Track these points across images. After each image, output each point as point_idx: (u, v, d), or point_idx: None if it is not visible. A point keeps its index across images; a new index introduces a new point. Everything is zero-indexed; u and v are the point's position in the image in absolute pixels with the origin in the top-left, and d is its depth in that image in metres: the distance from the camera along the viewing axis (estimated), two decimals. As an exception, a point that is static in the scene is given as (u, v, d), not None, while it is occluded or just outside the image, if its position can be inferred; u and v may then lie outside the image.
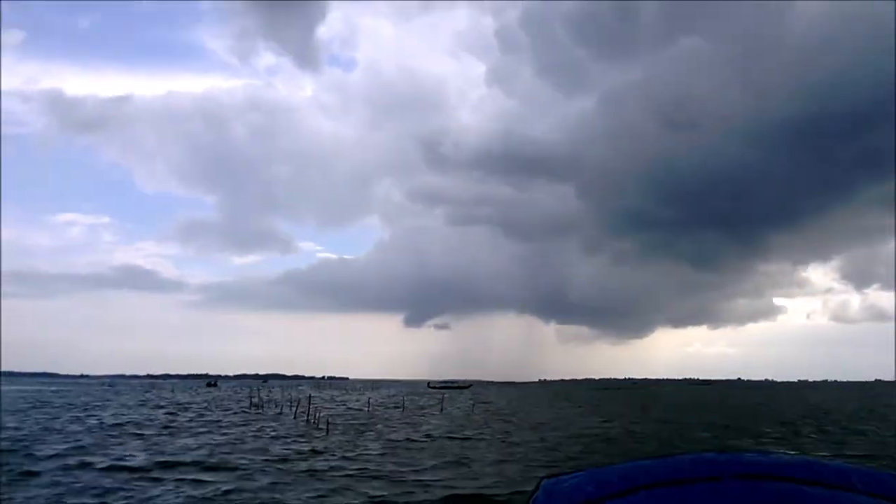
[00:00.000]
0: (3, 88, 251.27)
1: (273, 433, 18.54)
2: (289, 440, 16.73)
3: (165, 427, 20.32)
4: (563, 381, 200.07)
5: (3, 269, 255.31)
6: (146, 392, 55.99)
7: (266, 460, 12.71)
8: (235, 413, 28.23)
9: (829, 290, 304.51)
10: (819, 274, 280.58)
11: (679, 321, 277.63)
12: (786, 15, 36.02)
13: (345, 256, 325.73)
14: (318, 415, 23.79)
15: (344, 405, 35.70)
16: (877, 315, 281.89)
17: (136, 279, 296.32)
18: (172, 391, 59.55)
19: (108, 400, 39.57)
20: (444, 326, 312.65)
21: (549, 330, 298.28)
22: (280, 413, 27.56)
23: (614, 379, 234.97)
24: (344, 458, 13.41)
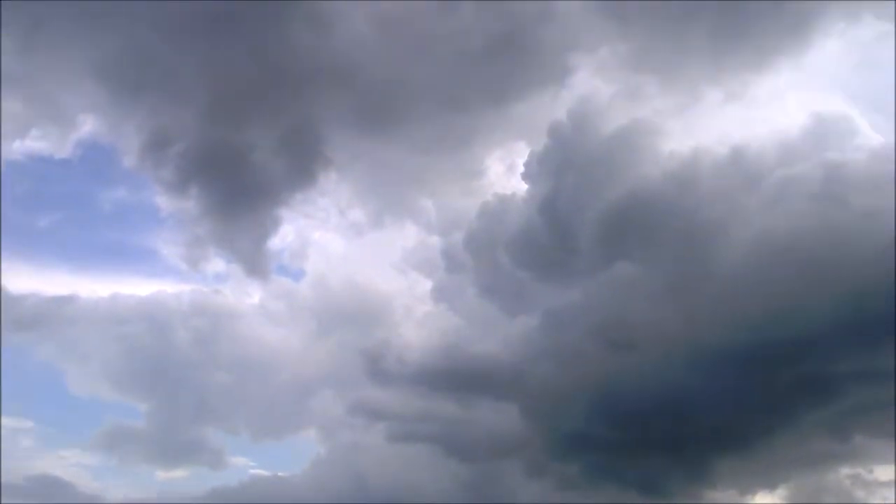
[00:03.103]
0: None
1: None
2: None
3: None
4: None
5: None
6: None
7: None
8: None
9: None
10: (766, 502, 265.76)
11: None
12: (715, 246, 33.88)
13: (279, 473, 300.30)
14: None
15: None
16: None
17: (51, 491, 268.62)
18: None
19: None
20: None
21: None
22: None
23: None
24: None
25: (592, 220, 35.76)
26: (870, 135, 34.09)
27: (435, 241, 44.60)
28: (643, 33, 38.51)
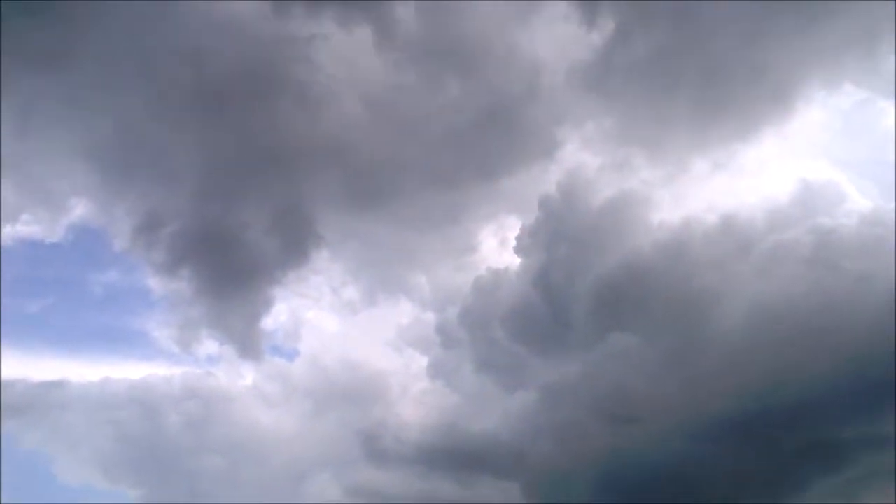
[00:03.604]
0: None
1: None
2: None
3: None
4: None
5: None
6: None
7: None
8: None
9: None
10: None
11: None
12: (710, 314, 33.86)
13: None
14: None
15: None
16: None
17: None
18: None
19: None
20: None
21: None
22: None
23: None
24: None
25: (586, 292, 35.62)
26: (858, 200, 34.31)
27: (429, 317, 44.25)
28: (627, 107, 39.14)
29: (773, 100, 35.97)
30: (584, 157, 39.35)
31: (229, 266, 42.16)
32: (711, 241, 33.91)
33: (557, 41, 41.11)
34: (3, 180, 39.70)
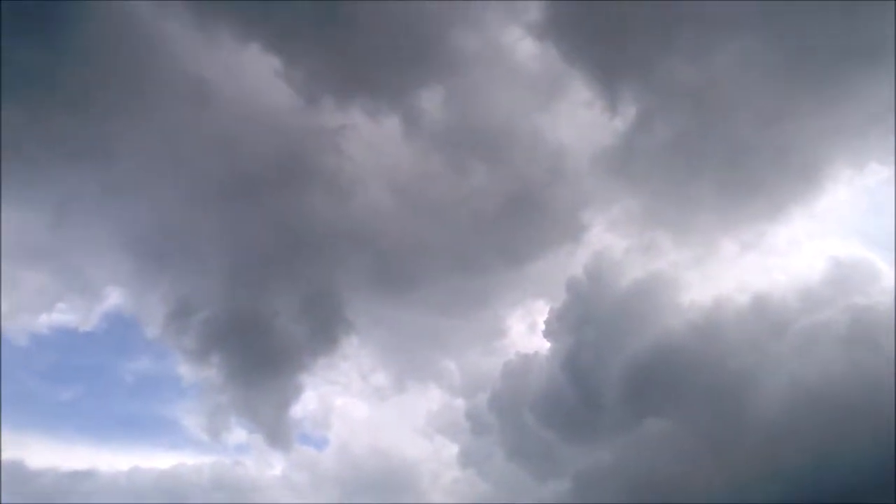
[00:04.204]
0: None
1: None
2: None
3: None
4: None
5: None
6: None
7: None
8: None
9: None
10: None
11: None
12: (746, 396, 32.92)
13: None
14: None
15: None
16: None
17: None
18: None
19: None
20: None
21: None
22: None
23: None
24: None
25: (617, 376, 34.97)
26: (891, 276, 33.58)
27: (459, 403, 43.55)
28: (652, 190, 39.26)
29: (800, 179, 35.83)
30: (610, 240, 39.24)
31: (259, 353, 42.05)
32: (744, 322, 33.22)
33: (580, 126, 41.67)
34: (40, 269, 40.37)
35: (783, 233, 37.62)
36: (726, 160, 37.32)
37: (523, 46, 41.45)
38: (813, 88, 35.35)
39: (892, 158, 35.32)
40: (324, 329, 42.74)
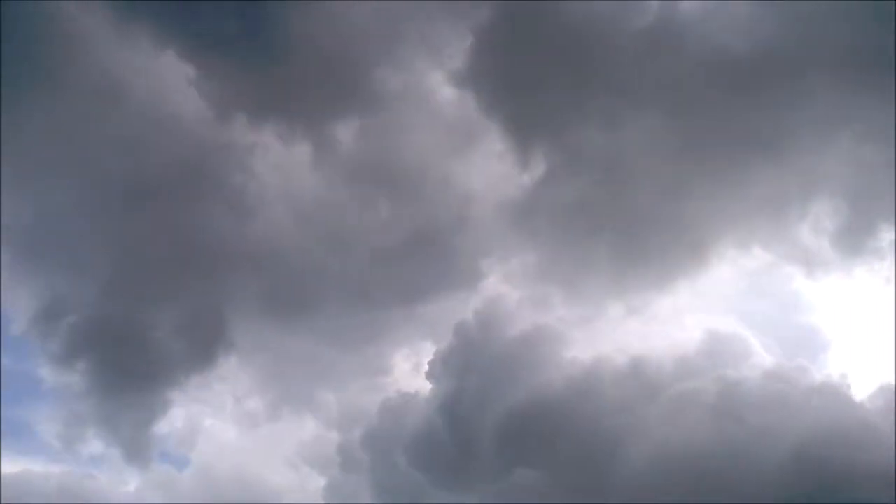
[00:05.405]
0: None
1: None
2: None
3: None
4: None
5: None
6: None
7: None
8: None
9: None
10: None
11: None
12: (615, 456, 33.10)
13: None
14: None
15: None
16: None
17: None
18: None
19: None
20: None
21: None
22: None
23: None
24: None
25: (494, 424, 34.73)
26: (763, 355, 34.86)
27: (333, 436, 42.06)
28: (551, 247, 39.77)
29: (688, 254, 36.96)
30: (504, 290, 39.29)
31: (129, 363, 39.75)
32: (621, 383, 33.70)
33: (490, 176, 42.10)
34: None
35: (667, 302, 38.63)
36: (623, 228, 38.21)
37: (444, 92, 41.78)
38: (710, 171, 36.82)
39: (775, 244, 36.76)
40: (202, 347, 40.97)
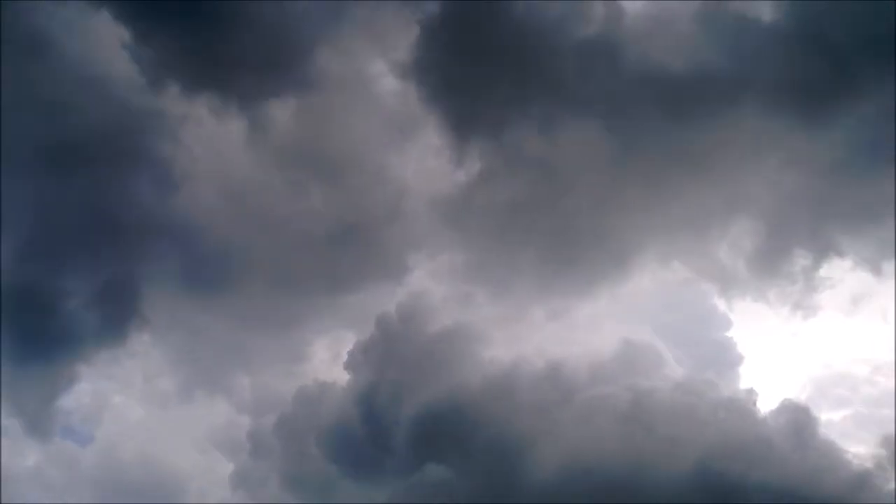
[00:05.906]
0: None
1: None
2: None
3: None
4: None
5: None
6: None
7: None
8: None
9: None
10: None
11: None
12: (526, 460, 33.28)
13: None
14: None
15: None
16: None
17: None
18: None
19: None
20: None
21: None
22: None
23: None
24: None
25: (408, 418, 34.59)
26: (674, 367, 35.67)
27: (245, 421, 41.10)
28: (480, 247, 39.83)
29: (611, 263, 37.60)
30: (429, 286, 39.11)
31: (36, 333, 37.87)
32: (537, 385, 34.03)
33: (425, 171, 41.86)
34: None
35: (587, 309, 39.28)
36: (551, 232, 38.55)
37: (385, 82, 41.33)
38: (639, 184, 37.50)
39: (694, 260, 37.68)
40: (115, 321, 39.44)
